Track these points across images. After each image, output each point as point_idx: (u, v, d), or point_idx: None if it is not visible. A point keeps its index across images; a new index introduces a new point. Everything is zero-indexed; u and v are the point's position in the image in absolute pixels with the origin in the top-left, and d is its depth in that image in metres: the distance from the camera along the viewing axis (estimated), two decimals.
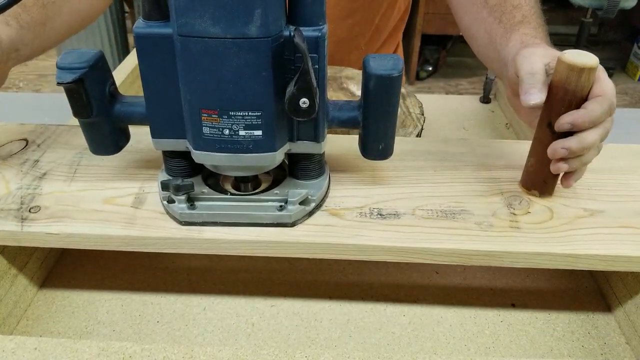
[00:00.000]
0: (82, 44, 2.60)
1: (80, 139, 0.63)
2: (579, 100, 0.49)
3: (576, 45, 2.92)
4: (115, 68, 0.89)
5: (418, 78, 3.22)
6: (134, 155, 0.62)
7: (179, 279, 0.63)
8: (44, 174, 0.59)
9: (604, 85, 0.50)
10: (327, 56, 0.47)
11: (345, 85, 0.90)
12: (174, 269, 0.64)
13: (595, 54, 0.49)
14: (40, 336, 0.56)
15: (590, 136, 0.50)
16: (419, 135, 0.77)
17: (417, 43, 3.01)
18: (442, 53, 3.31)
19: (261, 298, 0.61)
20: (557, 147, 0.51)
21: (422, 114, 0.82)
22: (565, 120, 0.49)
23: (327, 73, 0.49)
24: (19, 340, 0.45)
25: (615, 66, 3.30)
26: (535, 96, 0.49)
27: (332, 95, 0.86)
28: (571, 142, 0.50)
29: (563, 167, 0.52)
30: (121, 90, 0.88)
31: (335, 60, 1.01)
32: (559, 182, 0.56)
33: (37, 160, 0.61)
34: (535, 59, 0.52)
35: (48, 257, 0.63)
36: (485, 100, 1.08)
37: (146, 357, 0.43)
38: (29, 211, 0.53)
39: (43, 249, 0.62)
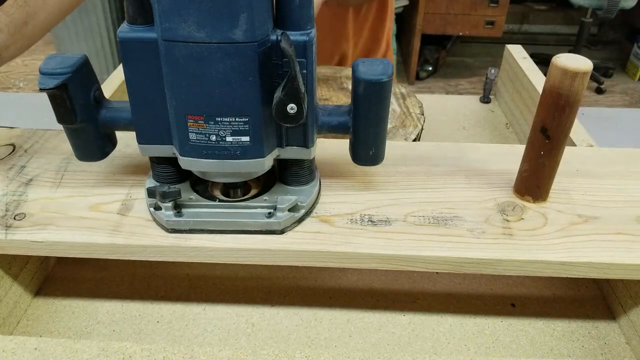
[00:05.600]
0: (82, 44, 2.60)
1: (69, 144, 0.63)
2: (572, 105, 0.48)
3: (576, 45, 2.91)
4: (115, 68, 0.88)
5: (418, 78, 3.22)
6: (122, 160, 0.62)
7: (179, 279, 0.63)
8: (30, 180, 0.58)
9: None
10: (316, 60, 0.46)
11: (345, 85, 0.90)
12: (174, 272, 0.64)
13: (595, 54, 0.48)
14: (40, 336, 0.56)
15: None
16: (419, 135, 0.76)
17: (417, 43, 3.00)
18: (442, 53, 3.31)
19: (261, 298, 0.61)
20: None
21: (422, 114, 0.81)
22: None
23: (315, 78, 0.48)
24: (19, 340, 0.45)
25: (615, 66, 3.29)
26: None
27: (332, 95, 0.86)
28: None
29: None
30: (120, 92, 0.88)
31: (324, 50, 1.01)
32: (553, 187, 0.56)
33: (23, 166, 0.60)
34: None
35: (47, 258, 0.63)
36: (485, 100, 1.07)
37: (146, 357, 0.43)
38: (14, 218, 0.53)
39: None
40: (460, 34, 2.98)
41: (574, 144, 0.72)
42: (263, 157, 0.48)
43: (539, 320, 0.58)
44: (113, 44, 2.70)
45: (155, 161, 0.53)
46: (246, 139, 0.47)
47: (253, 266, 0.64)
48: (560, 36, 3.62)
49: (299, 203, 0.52)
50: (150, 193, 0.50)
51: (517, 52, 0.99)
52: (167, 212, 0.51)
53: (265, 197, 0.53)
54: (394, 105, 0.83)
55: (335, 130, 0.51)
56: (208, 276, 0.63)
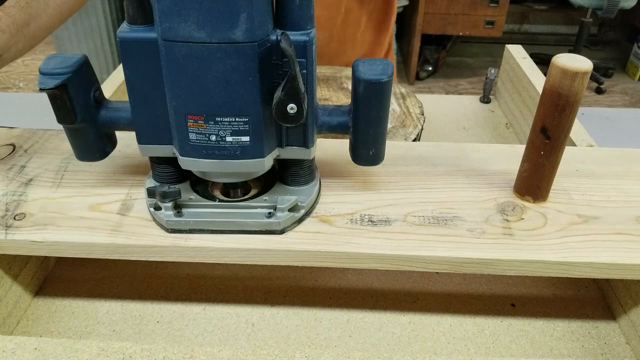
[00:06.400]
0: (82, 44, 2.60)
1: (69, 144, 0.63)
2: (572, 105, 0.48)
3: (576, 45, 2.91)
4: (115, 68, 0.88)
5: (418, 78, 3.22)
6: (122, 160, 0.62)
7: (179, 279, 0.63)
8: (30, 180, 0.58)
9: None
10: (316, 59, 0.46)
11: (345, 85, 0.90)
12: (174, 272, 0.64)
13: (595, 54, 0.48)
14: (40, 336, 0.56)
15: None
16: (419, 135, 0.76)
17: (417, 43, 3.00)
18: (442, 53, 3.31)
19: (261, 298, 0.61)
20: None
21: (422, 114, 0.81)
22: None
23: (315, 78, 0.48)
24: (19, 340, 0.45)
25: (615, 66, 3.29)
26: None
27: (332, 95, 0.86)
28: None
29: None
30: (120, 92, 0.88)
31: (330, 50, 1.01)
32: (553, 187, 0.56)
33: (23, 166, 0.60)
34: None
35: (47, 258, 0.63)
36: (485, 100, 1.07)
37: (146, 357, 0.43)
38: (14, 218, 0.53)
39: None
40: (460, 34, 2.98)
41: (574, 144, 0.72)
42: (263, 157, 0.48)
43: (539, 320, 0.58)
44: (113, 44, 2.70)
45: (155, 161, 0.53)
46: (246, 139, 0.47)
47: (253, 266, 0.64)
48: (560, 36, 3.62)
49: (299, 203, 0.52)
50: (150, 193, 0.50)
51: (517, 52, 0.99)
52: (167, 212, 0.51)
53: (265, 197, 0.53)
54: (394, 105, 0.83)
55: (335, 130, 0.51)
56: (208, 276, 0.63)
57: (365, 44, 1.06)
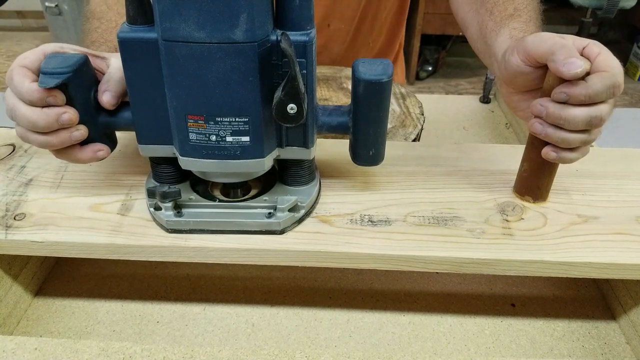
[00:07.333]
0: (82, 44, 2.59)
1: None
2: None
3: None
4: None
5: (418, 78, 3.21)
6: (122, 160, 0.62)
7: (179, 279, 0.63)
8: (30, 180, 0.58)
9: (610, 60, 0.44)
10: (316, 61, 0.47)
11: (345, 85, 0.90)
12: (174, 272, 0.64)
13: None
14: (40, 336, 0.56)
15: (579, 111, 0.44)
16: (419, 135, 0.76)
17: (417, 43, 3.00)
18: (442, 53, 3.30)
19: (261, 298, 0.61)
20: (536, 103, 0.46)
21: (422, 114, 0.81)
22: (561, 90, 0.44)
23: (315, 78, 0.48)
24: (19, 340, 0.45)
25: None
26: (579, 62, 0.42)
27: (332, 95, 0.86)
28: (551, 105, 0.45)
29: (549, 153, 0.48)
30: None
31: (346, 60, 1.01)
32: (553, 187, 0.56)
33: (23, 166, 0.60)
34: (547, 37, 0.46)
35: (47, 258, 0.63)
36: (485, 100, 1.07)
37: (146, 357, 0.44)
38: (14, 218, 0.53)
39: None
40: (460, 34, 2.98)
41: None
42: (263, 157, 0.48)
43: (539, 320, 0.58)
44: None
45: (155, 161, 0.53)
46: (246, 139, 0.47)
47: (253, 266, 0.64)
48: None
49: (299, 203, 0.52)
50: (150, 193, 0.50)
51: None
52: (167, 212, 0.51)
53: (265, 197, 0.53)
54: (394, 105, 0.83)
55: (335, 130, 0.51)
56: (208, 276, 0.63)
57: (376, 50, 1.06)
